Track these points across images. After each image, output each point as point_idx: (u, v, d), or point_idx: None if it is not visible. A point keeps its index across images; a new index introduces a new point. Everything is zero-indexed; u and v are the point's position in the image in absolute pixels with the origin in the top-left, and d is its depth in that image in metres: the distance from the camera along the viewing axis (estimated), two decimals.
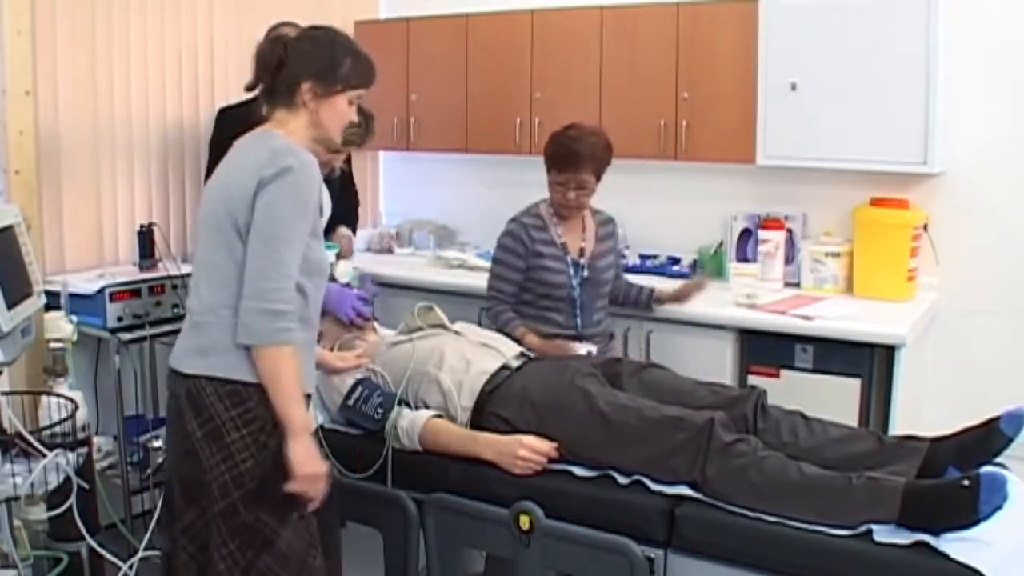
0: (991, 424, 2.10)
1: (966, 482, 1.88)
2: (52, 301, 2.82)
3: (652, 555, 2.07)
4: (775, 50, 3.45)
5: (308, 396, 2.08)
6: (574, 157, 2.94)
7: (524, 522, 2.13)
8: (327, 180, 3.00)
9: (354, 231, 3.93)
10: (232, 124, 3.32)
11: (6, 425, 2.37)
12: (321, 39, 2.08)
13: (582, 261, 3.09)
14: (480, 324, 3.13)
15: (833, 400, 3.02)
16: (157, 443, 3.41)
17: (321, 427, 2.49)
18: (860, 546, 1.92)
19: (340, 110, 2.09)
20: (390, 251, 4.60)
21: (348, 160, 3.96)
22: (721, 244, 3.98)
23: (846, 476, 2.00)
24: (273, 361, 1.90)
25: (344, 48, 2.09)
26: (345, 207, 3.46)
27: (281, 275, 1.91)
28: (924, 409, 3.44)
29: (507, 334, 2.97)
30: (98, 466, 3.08)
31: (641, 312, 3.34)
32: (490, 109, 4.22)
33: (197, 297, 2.01)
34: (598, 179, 3.02)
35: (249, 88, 2.13)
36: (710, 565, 2.06)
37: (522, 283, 3.08)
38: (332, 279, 2.86)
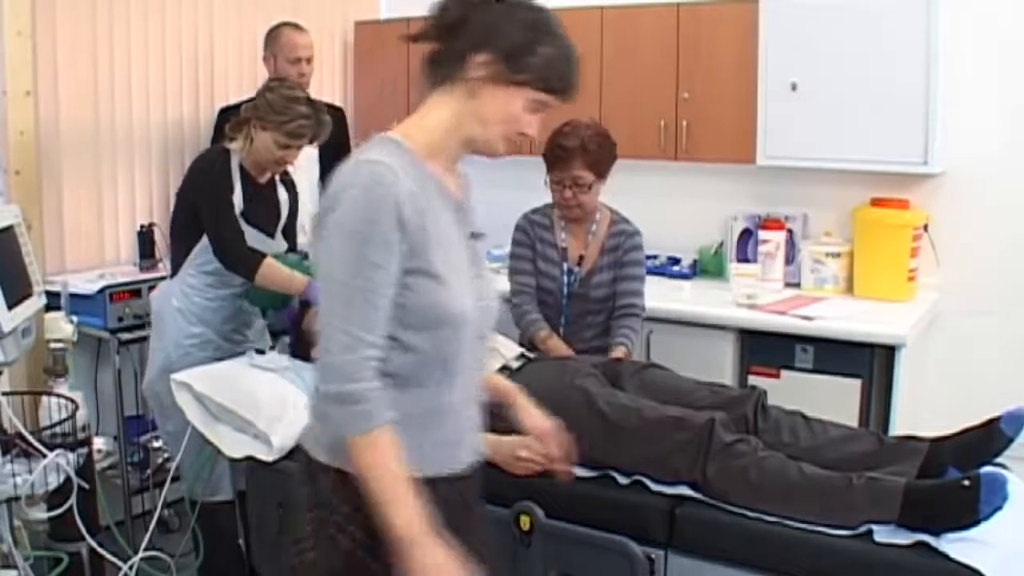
0: (991, 424, 2.10)
1: (966, 482, 1.87)
2: (52, 301, 2.82)
3: (652, 555, 2.07)
4: (775, 50, 3.46)
5: (447, 480, 1.60)
6: (564, 152, 2.86)
7: (524, 522, 2.13)
8: (283, 180, 3.00)
9: None
10: None
11: (6, 425, 2.36)
12: (523, 12, 1.54)
13: (576, 270, 2.99)
14: None
15: (833, 400, 3.02)
16: (157, 443, 3.42)
17: None
18: (860, 546, 1.92)
19: (511, 110, 1.53)
20: None
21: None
22: (721, 244, 3.98)
23: (846, 476, 2.00)
24: (358, 454, 1.45)
25: (549, 34, 1.53)
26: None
27: (344, 344, 1.43)
28: (924, 409, 3.44)
29: (530, 336, 2.95)
30: (98, 466, 3.08)
31: None
32: None
33: None
34: (599, 175, 2.89)
35: (413, 38, 1.59)
36: (710, 565, 2.05)
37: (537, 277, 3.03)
38: None
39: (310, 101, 2.79)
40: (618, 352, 2.84)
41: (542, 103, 1.54)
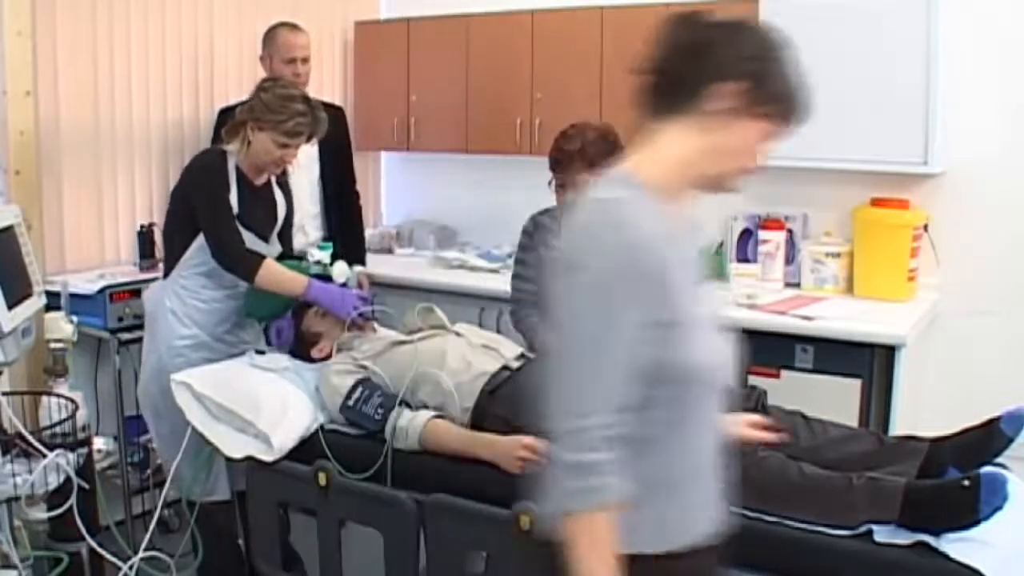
0: (991, 424, 2.10)
1: (966, 482, 1.87)
2: (52, 301, 2.82)
3: None
4: None
5: (692, 552, 1.46)
6: (563, 155, 2.82)
7: (524, 522, 2.13)
8: (278, 182, 2.99)
9: (359, 240, 3.92)
10: None
11: (6, 425, 2.37)
12: (764, 38, 1.44)
13: None
14: (480, 325, 3.12)
15: (833, 400, 3.02)
16: (156, 443, 3.42)
17: (321, 427, 2.50)
18: (860, 546, 1.92)
19: (750, 144, 1.41)
20: (390, 251, 4.60)
21: (349, 161, 3.97)
22: (721, 244, 3.97)
23: (846, 476, 2.00)
24: (575, 530, 1.32)
25: (788, 62, 1.42)
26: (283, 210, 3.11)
27: (581, 408, 1.30)
28: (924, 409, 3.44)
29: (530, 340, 2.92)
30: (98, 466, 3.08)
31: None
32: (490, 109, 4.22)
33: None
34: None
35: (641, 70, 1.47)
36: None
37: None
38: (329, 279, 2.86)
39: (305, 98, 2.77)
40: None
41: (776, 134, 1.42)
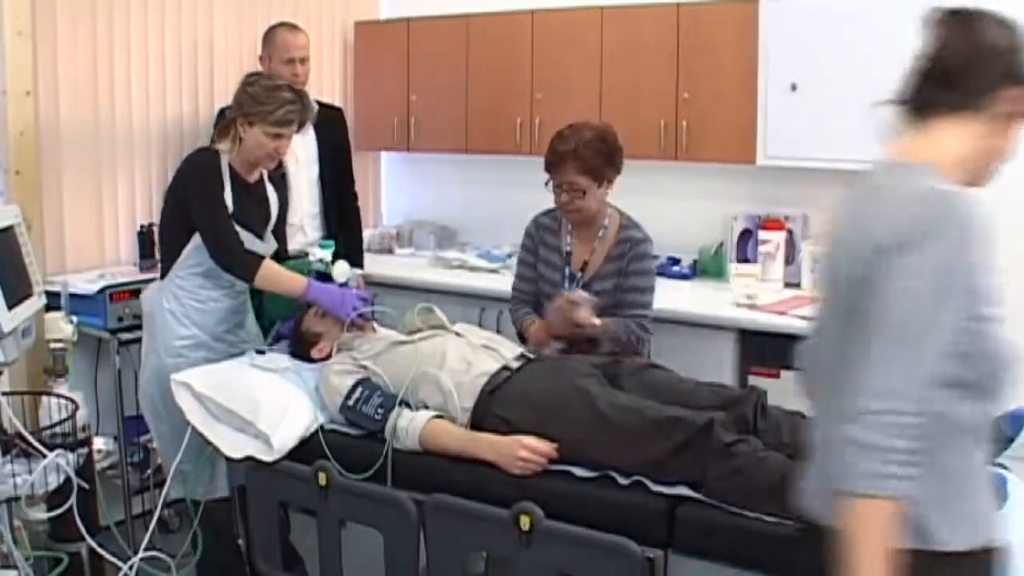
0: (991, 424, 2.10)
1: None
2: (52, 301, 2.83)
3: (652, 555, 2.07)
4: (775, 50, 3.46)
5: (997, 549, 1.45)
6: (556, 156, 2.80)
7: (524, 522, 2.13)
8: (270, 178, 2.98)
9: (357, 243, 3.92)
10: None
11: (6, 425, 2.37)
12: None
13: (579, 275, 2.91)
14: (480, 325, 3.11)
15: None
16: (156, 443, 3.42)
17: (321, 427, 2.50)
18: None
19: (1014, 143, 1.47)
20: (390, 251, 4.61)
21: (348, 162, 3.97)
22: (721, 244, 3.98)
23: None
24: (856, 515, 1.30)
25: None
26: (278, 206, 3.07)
27: (892, 390, 1.29)
28: None
29: (519, 330, 2.94)
30: (98, 466, 3.09)
31: None
32: (490, 109, 4.23)
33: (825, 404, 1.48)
34: (597, 180, 2.79)
35: (917, 66, 1.46)
36: (710, 565, 2.06)
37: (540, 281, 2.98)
38: (329, 279, 2.86)
39: (292, 87, 2.77)
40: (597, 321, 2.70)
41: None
